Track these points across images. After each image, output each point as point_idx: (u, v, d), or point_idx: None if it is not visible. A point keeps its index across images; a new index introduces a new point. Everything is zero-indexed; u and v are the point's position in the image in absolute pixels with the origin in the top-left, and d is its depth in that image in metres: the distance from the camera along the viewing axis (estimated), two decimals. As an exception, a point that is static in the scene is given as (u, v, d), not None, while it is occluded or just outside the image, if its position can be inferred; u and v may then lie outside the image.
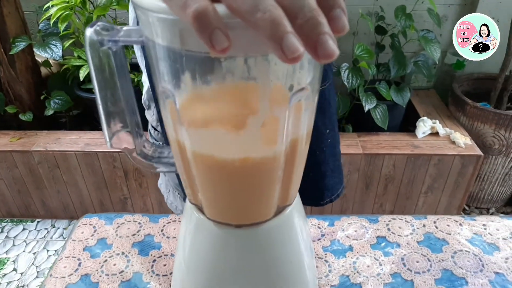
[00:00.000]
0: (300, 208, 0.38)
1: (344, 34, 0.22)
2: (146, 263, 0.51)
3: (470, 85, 1.56)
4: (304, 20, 0.20)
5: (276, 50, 0.20)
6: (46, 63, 1.56)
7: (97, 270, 0.50)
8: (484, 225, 0.56)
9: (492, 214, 1.57)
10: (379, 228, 0.56)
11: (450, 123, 1.43)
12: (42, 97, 1.51)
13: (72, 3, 1.27)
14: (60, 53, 1.38)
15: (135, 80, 1.44)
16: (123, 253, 0.53)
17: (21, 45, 1.41)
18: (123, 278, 0.49)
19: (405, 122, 1.51)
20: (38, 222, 1.60)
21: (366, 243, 0.54)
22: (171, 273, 0.50)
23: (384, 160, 1.32)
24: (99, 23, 0.29)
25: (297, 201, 0.37)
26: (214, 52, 0.20)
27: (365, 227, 0.56)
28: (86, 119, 1.68)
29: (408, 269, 0.50)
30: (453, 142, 1.33)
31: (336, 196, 0.76)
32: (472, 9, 1.52)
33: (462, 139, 1.33)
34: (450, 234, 0.55)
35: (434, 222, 0.57)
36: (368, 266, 0.50)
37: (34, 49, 1.40)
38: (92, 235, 0.56)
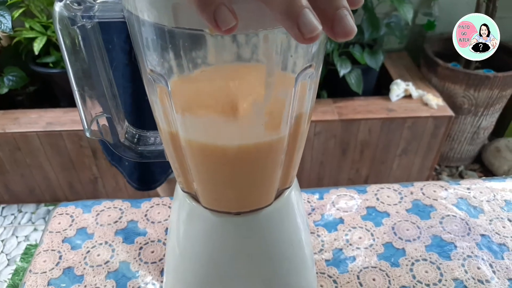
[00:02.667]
0: (297, 187, 0.36)
1: (359, 7, 0.20)
2: (133, 251, 0.49)
3: (440, 46, 1.57)
4: None
5: (291, 28, 0.17)
6: (-5, 36, 1.43)
7: (80, 263, 0.47)
8: (468, 188, 0.57)
9: (461, 172, 1.64)
10: (368, 198, 0.56)
11: (423, 85, 1.44)
12: (-5, 74, 1.40)
13: (20, -32, 1.15)
14: (9, 25, 1.25)
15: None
16: (106, 242, 0.50)
17: (-36, 17, 1.27)
18: (110, 268, 0.47)
19: (379, 86, 1.51)
20: (3, 208, 1.52)
21: (357, 214, 0.53)
22: (160, 260, 0.48)
23: (360, 125, 1.33)
24: (67, -4, 0.25)
25: (294, 186, 0.35)
26: (219, 32, 0.17)
27: (354, 198, 0.56)
28: (46, 96, 1.57)
29: (399, 238, 0.50)
30: (426, 104, 1.35)
31: None
32: (442, -32, 1.51)
33: (435, 101, 1.35)
34: (436, 199, 0.55)
35: (421, 189, 0.57)
36: (360, 238, 0.50)
37: (-20, 21, 1.27)
38: (70, 225, 0.52)
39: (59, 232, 0.51)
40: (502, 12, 1.42)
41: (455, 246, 0.49)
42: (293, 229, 0.35)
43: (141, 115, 0.60)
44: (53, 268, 0.47)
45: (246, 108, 0.24)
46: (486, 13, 1.40)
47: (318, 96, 1.44)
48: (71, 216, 0.53)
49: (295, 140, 0.29)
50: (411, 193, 0.56)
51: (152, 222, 0.52)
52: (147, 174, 0.69)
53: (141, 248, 0.49)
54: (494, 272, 0.46)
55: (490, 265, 0.47)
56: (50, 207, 1.51)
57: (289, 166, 0.31)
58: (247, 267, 0.35)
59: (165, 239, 0.50)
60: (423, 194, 0.56)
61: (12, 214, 1.49)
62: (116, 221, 0.52)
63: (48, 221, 0.53)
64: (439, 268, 0.47)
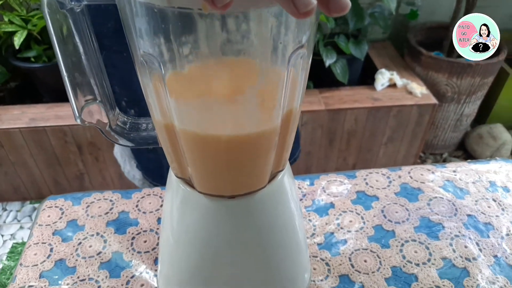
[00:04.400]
0: (290, 172, 0.37)
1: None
2: (125, 241, 0.49)
3: (423, 35, 1.59)
4: None
5: (287, 4, 0.17)
6: (-28, 31, 1.38)
7: (72, 254, 0.47)
8: (454, 171, 0.59)
9: (445, 159, 1.68)
10: (358, 183, 0.57)
11: (407, 74, 1.46)
12: (-26, 70, 1.36)
13: (-3, -41, 1.12)
14: (-12, 19, 1.22)
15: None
16: (97, 233, 0.50)
17: None
18: (102, 259, 0.47)
19: (364, 76, 1.53)
20: (-13, 206, 1.49)
21: (347, 199, 0.54)
22: (153, 249, 0.48)
23: (346, 115, 1.34)
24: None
25: (287, 170, 0.36)
26: (214, 9, 0.17)
27: (344, 184, 0.56)
28: (27, 91, 1.54)
29: (388, 220, 0.51)
30: (410, 92, 1.37)
31: (294, 161, 0.76)
32: (423, -42, 1.52)
33: (419, 89, 1.37)
34: (424, 182, 0.57)
35: (409, 173, 0.58)
36: (350, 221, 0.51)
37: (-43, 15, 1.24)
38: (60, 217, 0.52)
39: (49, 225, 0.51)
40: (482, 2, 1.45)
41: (443, 227, 0.50)
42: (287, 212, 0.35)
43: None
44: (44, 261, 0.47)
45: (240, 91, 0.24)
46: (467, 3, 1.42)
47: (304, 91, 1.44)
48: (61, 209, 0.53)
49: (288, 122, 0.29)
50: (399, 177, 0.57)
51: (144, 212, 0.52)
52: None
53: (133, 238, 0.49)
54: (480, 250, 0.48)
55: (476, 243, 0.48)
56: (36, 205, 1.49)
57: (282, 149, 0.31)
58: (242, 253, 0.35)
59: (157, 229, 0.50)
60: (411, 177, 0.57)
61: (-3, 213, 1.46)
62: (107, 212, 0.52)
63: (37, 215, 0.52)
64: (428, 248, 0.48)
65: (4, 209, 1.47)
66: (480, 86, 1.47)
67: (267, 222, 0.34)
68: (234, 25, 0.22)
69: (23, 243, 1.36)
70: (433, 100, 1.34)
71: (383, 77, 1.39)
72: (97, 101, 0.30)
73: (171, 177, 0.34)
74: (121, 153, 0.75)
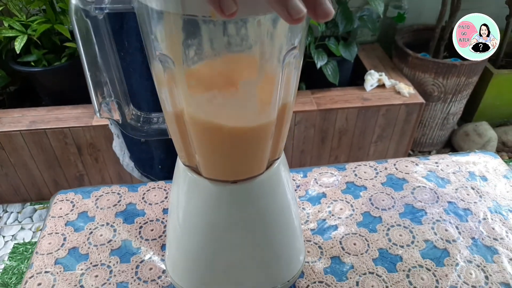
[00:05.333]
0: (285, 161, 0.41)
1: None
2: (133, 230, 0.52)
3: (410, 37, 1.65)
4: None
5: (281, 11, 0.21)
6: (-28, 36, 1.41)
7: (84, 243, 0.51)
8: (436, 163, 0.63)
9: (433, 156, 1.73)
10: (347, 174, 0.61)
11: (395, 75, 1.52)
12: (-27, 75, 1.39)
13: (-3, -33, 1.15)
14: (-11, 24, 1.25)
15: (78, 49, 1.35)
16: (107, 223, 0.53)
17: None
18: (113, 247, 0.50)
19: (354, 77, 1.58)
20: (-13, 208, 1.51)
21: (337, 189, 0.59)
22: (160, 237, 0.52)
23: (338, 114, 1.39)
24: (81, -11, 0.28)
25: (282, 159, 0.40)
26: (223, 16, 0.21)
27: (335, 175, 0.61)
28: (26, 95, 1.57)
29: (375, 207, 0.56)
30: (398, 92, 1.42)
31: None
32: (410, -37, 1.58)
33: (406, 89, 1.42)
34: (408, 173, 0.61)
35: (394, 165, 0.63)
36: (341, 209, 0.55)
37: (-43, 21, 1.26)
38: (72, 210, 0.55)
39: (61, 216, 0.54)
40: (467, 4, 1.51)
41: (426, 213, 0.55)
42: (283, 196, 0.40)
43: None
44: (58, 249, 0.50)
45: (243, 85, 0.29)
46: (451, 6, 1.48)
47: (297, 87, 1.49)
48: (72, 202, 0.56)
49: (283, 115, 0.33)
50: (386, 168, 0.62)
51: (150, 204, 0.56)
52: None
53: (141, 227, 0.53)
54: (459, 232, 0.52)
55: (456, 227, 0.53)
56: (36, 206, 1.52)
57: (278, 138, 0.35)
58: (242, 234, 0.39)
59: (163, 218, 0.54)
60: (396, 169, 0.62)
61: (-3, 215, 1.49)
62: (115, 204, 0.56)
63: (50, 208, 0.56)
64: (411, 232, 0.52)
65: (5, 211, 1.50)
66: (465, 86, 1.53)
67: (265, 204, 0.38)
68: (236, 29, 0.26)
69: (24, 244, 1.39)
70: (420, 100, 1.40)
71: (372, 78, 1.44)
72: (115, 98, 0.34)
73: (179, 165, 0.38)
74: (120, 146, 0.78)
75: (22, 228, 1.44)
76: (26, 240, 1.40)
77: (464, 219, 0.54)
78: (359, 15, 1.46)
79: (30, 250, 1.36)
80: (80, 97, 1.40)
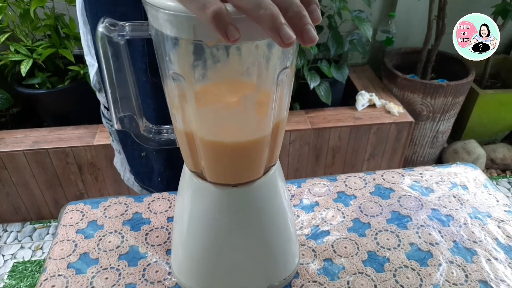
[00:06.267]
0: (280, 168, 0.46)
1: (319, 23, 0.30)
2: (140, 237, 0.56)
3: (399, 59, 1.73)
4: (293, 14, 0.27)
5: (275, 37, 0.27)
6: (-21, 60, 1.47)
7: (94, 248, 0.55)
8: (420, 174, 0.68)
9: (424, 173, 1.78)
10: (338, 185, 0.66)
11: (385, 95, 1.59)
12: (-21, 97, 1.44)
13: (7, -5, 1.22)
14: (-4, 49, 1.31)
15: (81, 72, 1.41)
16: (115, 231, 0.57)
17: (-50, 42, 1.32)
18: (121, 252, 0.54)
19: (346, 97, 1.65)
20: (-13, 228, 1.53)
21: (329, 198, 0.63)
22: (165, 242, 0.55)
23: (331, 132, 1.45)
24: (107, 20, 0.34)
25: (278, 166, 0.45)
26: (228, 42, 0.27)
27: (327, 186, 0.65)
28: (29, 117, 1.61)
29: (364, 214, 0.60)
30: (388, 112, 1.49)
31: None
32: (396, -10, 1.68)
33: (396, 108, 1.48)
34: (395, 183, 0.66)
35: (382, 176, 0.67)
36: (332, 216, 0.60)
37: (-34, 46, 1.32)
38: (82, 219, 0.59)
39: (72, 225, 0.58)
40: (451, 29, 1.60)
41: (411, 219, 0.59)
42: (279, 199, 0.44)
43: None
44: (70, 254, 0.54)
45: (243, 99, 0.34)
46: (437, 30, 1.57)
47: (292, 108, 1.55)
48: (81, 212, 0.60)
49: (277, 128, 0.38)
50: (374, 179, 0.67)
51: (155, 213, 0.60)
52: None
53: (147, 234, 0.57)
54: (442, 236, 0.57)
55: (439, 231, 0.57)
56: (36, 225, 1.54)
57: (273, 148, 0.40)
58: (242, 234, 0.43)
59: (168, 226, 0.58)
60: (384, 179, 0.67)
61: (-3, 234, 1.50)
62: (122, 214, 0.60)
63: (61, 217, 0.60)
64: (398, 236, 0.57)
65: (5, 230, 1.52)
66: (453, 105, 1.60)
67: (263, 206, 0.42)
68: (237, 52, 0.31)
69: (24, 262, 1.40)
70: (410, 118, 1.46)
71: (363, 98, 1.51)
72: (131, 112, 0.39)
73: (185, 172, 0.43)
74: (121, 162, 0.82)
75: (21, 247, 1.46)
76: (26, 259, 1.42)
77: (446, 224, 0.59)
78: (350, 39, 1.54)
79: (30, 269, 1.38)
80: (82, 118, 1.45)
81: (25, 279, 1.34)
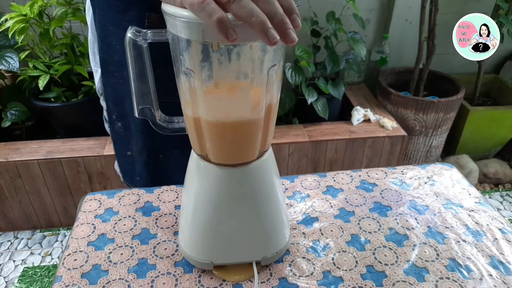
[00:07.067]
0: (273, 157, 0.54)
1: (299, 29, 0.38)
2: (151, 221, 0.64)
3: (393, 78, 1.83)
4: (278, 21, 0.36)
5: (264, 38, 0.35)
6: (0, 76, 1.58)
7: (110, 230, 0.62)
8: (402, 171, 0.76)
9: (419, 186, 1.85)
10: (327, 180, 0.73)
11: (379, 111, 1.67)
12: (-2, 109, 1.54)
13: (30, 16, 1.33)
14: (17, 65, 1.42)
15: (94, 87, 1.51)
16: (129, 216, 0.65)
17: (-26, 59, 1.43)
18: (134, 233, 0.62)
19: (342, 112, 1.74)
20: (-1, 235, 1.60)
21: (319, 191, 0.71)
22: (172, 226, 0.63)
23: (328, 145, 1.53)
24: (133, 28, 0.43)
25: (270, 152, 0.53)
26: (228, 42, 0.35)
27: (317, 181, 0.73)
28: (43, 130, 1.71)
29: (350, 204, 0.67)
30: (382, 126, 1.57)
31: None
32: (389, 13, 1.80)
33: (390, 123, 1.57)
34: (378, 179, 0.74)
35: (367, 173, 0.75)
36: (321, 206, 0.67)
37: (-10, 62, 1.43)
38: (99, 206, 0.67)
39: (90, 211, 0.66)
40: (441, 50, 1.70)
41: (391, 208, 0.67)
42: (271, 180, 0.52)
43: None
44: (89, 235, 0.61)
45: (240, 89, 0.42)
46: (427, 51, 1.67)
47: (291, 122, 1.64)
48: (99, 201, 0.68)
49: (269, 113, 0.47)
50: (359, 175, 0.74)
51: (164, 202, 0.68)
52: (159, 183, 0.83)
53: (157, 219, 0.64)
54: (417, 222, 0.64)
55: (415, 218, 0.65)
56: (46, 233, 1.61)
57: (266, 133, 0.48)
58: (240, 208, 0.51)
59: (175, 213, 0.66)
60: (368, 176, 0.74)
61: (9, 241, 1.57)
62: (135, 202, 0.68)
63: (81, 205, 0.68)
64: (378, 222, 0.64)
65: (16, 237, 1.59)
66: (444, 121, 1.69)
67: (257, 184, 0.50)
68: (234, 50, 0.40)
69: (34, 267, 1.47)
70: (403, 132, 1.54)
71: (359, 113, 1.59)
72: (150, 105, 0.47)
73: (193, 156, 0.51)
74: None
75: (31, 253, 1.53)
76: (35, 264, 1.48)
77: (422, 213, 0.66)
78: (345, 59, 1.64)
79: (39, 273, 1.44)
80: (92, 131, 1.54)
81: (35, 283, 1.40)
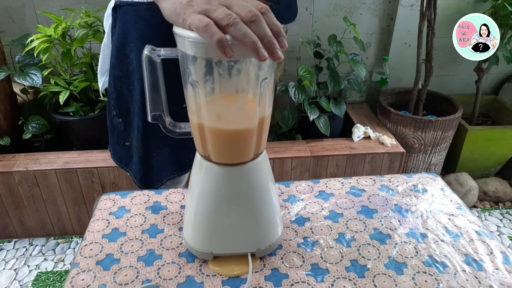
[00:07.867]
0: (267, 159, 0.61)
1: (285, 49, 0.47)
2: (159, 218, 0.71)
3: (393, 98, 1.90)
4: (267, 42, 0.44)
5: (255, 55, 0.43)
6: (23, 91, 1.69)
7: (122, 225, 0.70)
8: (389, 180, 0.82)
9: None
10: (320, 186, 0.80)
11: (379, 128, 1.74)
12: (20, 122, 1.64)
13: (54, 37, 1.45)
14: (40, 81, 1.53)
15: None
16: (140, 213, 0.72)
17: (1, 75, 1.55)
18: (143, 228, 0.69)
19: (343, 130, 1.81)
20: (15, 241, 1.68)
21: (312, 195, 0.77)
22: (178, 223, 0.70)
23: (329, 160, 1.59)
24: (149, 46, 0.51)
25: (265, 154, 0.60)
26: (226, 58, 0.44)
27: (311, 186, 0.80)
28: (60, 143, 1.81)
29: (339, 207, 0.74)
30: (382, 143, 1.64)
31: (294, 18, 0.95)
32: (389, 37, 1.89)
33: (389, 140, 1.63)
34: (367, 186, 0.80)
35: (357, 180, 0.82)
36: (313, 208, 0.74)
37: (15, 78, 1.55)
38: (113, 205, 0.75)
39: (105, 209, 0.74)
40: (439, 72, 1.78)
41: (377, 211, 0.73)
42: (265, 179, 0.59)
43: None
44: (104, 229, 0.69)
45: (237, 99, 0.50)
46: (425, 72, 1.75)
47: (294, 138, 1.72)
48: (113, 200, 0.76)
49: (262, 122, 0.55)
50: (350, 182, 0.81)
51: (171, 202, 0.75)
52: (149, 177, 0.91)
53: (164, 216, 0.72)
54: (400, 224, 0.70)
55: (398, 221, 0.71)
56: (59, 240, 1.68)
57: (260, 138, 0.56)
58: (237, 204, 0.58)
59: (181, 212, 0.73)
60: (358, 183, 0.81)
61: (24, 247, 1.65)
62: (145, 202, 0.75)
63: (97, 204, 0.76)
64: (364, 223, 0.70)
65: (31, 244, 1.66)
66: (443, 139, 1.74)
67: (253, 182, 0.58)
68: (234, 66, 0.48)
69: (47, 272, 1.54)
70: (401, 149, 1.60)
71: (359, 131, 1.66)
72: (160, 111, 0.55)
73: (197, 157, 0.59)
74: None
75: (45, 259, 1.60)
76: (49, 270, 1.55)
77: (405, 216, 0.72)
78: (347, 79, 1.73)
79: (52, 278, 1.51)
80: (107, 144, 1.63)
81: (47, 288, 1.47)
